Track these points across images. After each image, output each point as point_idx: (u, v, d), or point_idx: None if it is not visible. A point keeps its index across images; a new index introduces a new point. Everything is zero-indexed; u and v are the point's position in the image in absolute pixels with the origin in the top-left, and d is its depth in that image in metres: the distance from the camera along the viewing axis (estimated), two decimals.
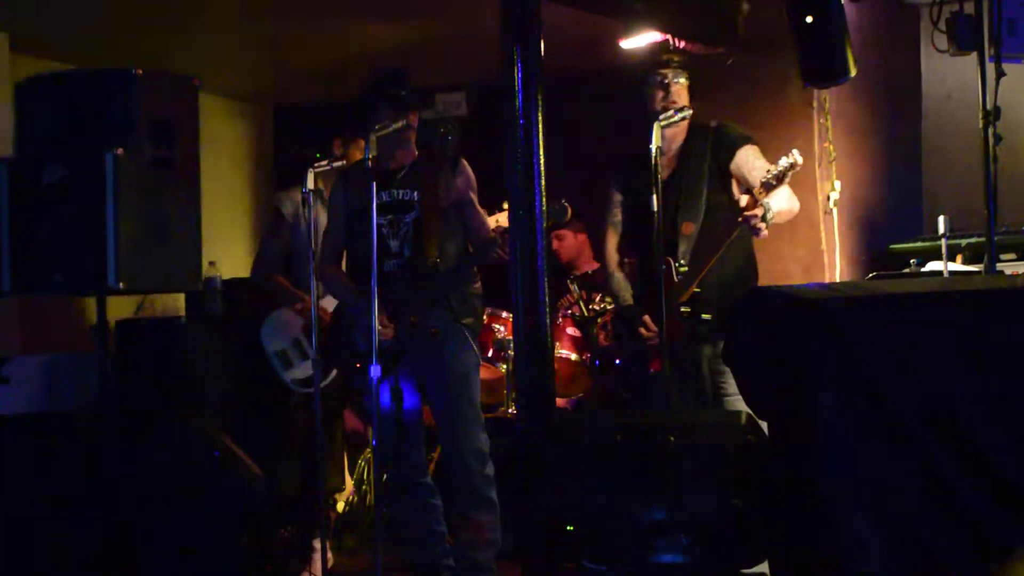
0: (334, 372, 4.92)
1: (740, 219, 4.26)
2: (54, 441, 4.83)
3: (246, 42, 6.58)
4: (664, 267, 4.30)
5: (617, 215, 4.73)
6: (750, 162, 4.46)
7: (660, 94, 4.50)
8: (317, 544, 5.13)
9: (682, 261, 4.40)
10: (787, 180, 4.25)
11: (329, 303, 4.96)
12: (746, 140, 4.53)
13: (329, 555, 5.15)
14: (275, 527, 5.35)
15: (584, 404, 5.89)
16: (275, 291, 5.27)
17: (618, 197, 4.73)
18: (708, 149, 4.50)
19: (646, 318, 4.46)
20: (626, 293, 4.66)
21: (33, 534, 4.60)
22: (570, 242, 6.41)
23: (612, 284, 4.74)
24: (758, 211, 4.23)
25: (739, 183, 4.50)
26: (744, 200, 4.28)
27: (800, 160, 4.24)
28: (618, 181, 4.73)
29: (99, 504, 4.44)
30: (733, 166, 4.49)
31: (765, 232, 4.28)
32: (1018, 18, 4.24)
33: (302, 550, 5.16)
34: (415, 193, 4.48)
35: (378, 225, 4.39)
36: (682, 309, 4.38)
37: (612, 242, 4.73)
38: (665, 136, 4.39)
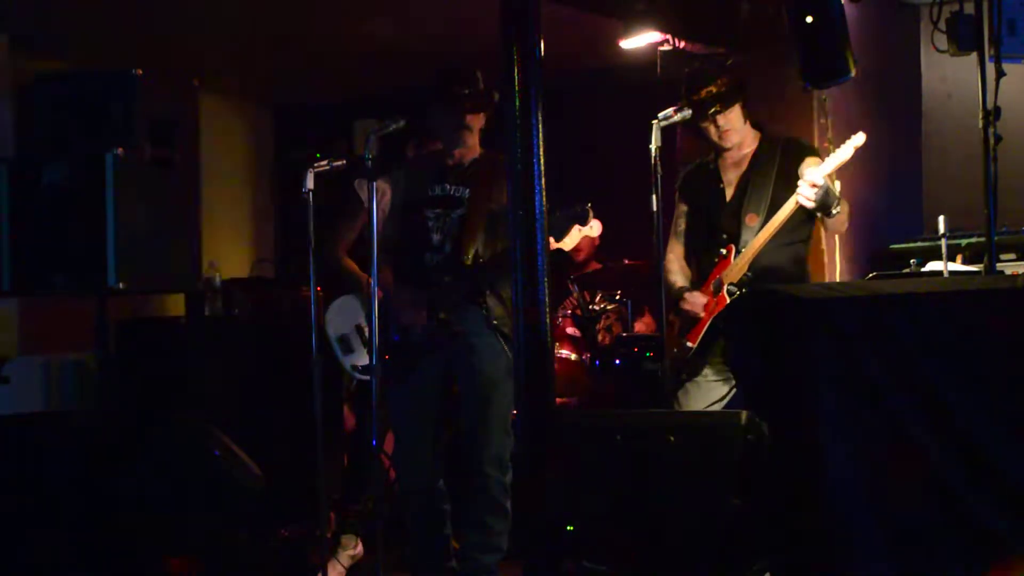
0: None
1: (802, 175, 4.34)
2: (54, 441, 4.83)
3: (246, 42, 6.59)
4: (725, 252, 4.51)
5: (681, 225, 4.77)
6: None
7: (713, 129, 4.58)
8: (345, 540, 5.14)
9: (743, 250, 4.49)
10: (850, 156, 4.34)
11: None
12: (814, 151, 4.65)
13: (360, 549, 5.16)
14: (275, 527, 5.35)
15: (585, 404, 5.89)
16: (344, 275, 5.20)
17: (683, 208, 4.78)
18: (778, 154, 4.58)
19: (689, 294, 4.55)
20: (683, 281, 4.69)
21: (32, 534, 4.60)
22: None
23: (670, 276, 4.73)
24: (820, 183, 4.29)
25: None
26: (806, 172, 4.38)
27: (863, 137, 4.34)
28: (684, 192, 4.77)
29: (98, 504, 4.44)
30: (800, 169, 4.55)
31: (808, 202, 4.32)
32: (1018, 18, 4.25)
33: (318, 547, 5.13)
34: (467, 191, 4.46)
35: (424, 218, 4.47)
36: (730, 287, 4.46)
37: (677, 251, 4.76)
38: (734, 139, 4.58)
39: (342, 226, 4.75)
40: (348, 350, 5.05)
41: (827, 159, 4.39)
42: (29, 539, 4.53)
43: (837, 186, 4.48)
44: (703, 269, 4.63)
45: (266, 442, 5.39)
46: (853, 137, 4.37)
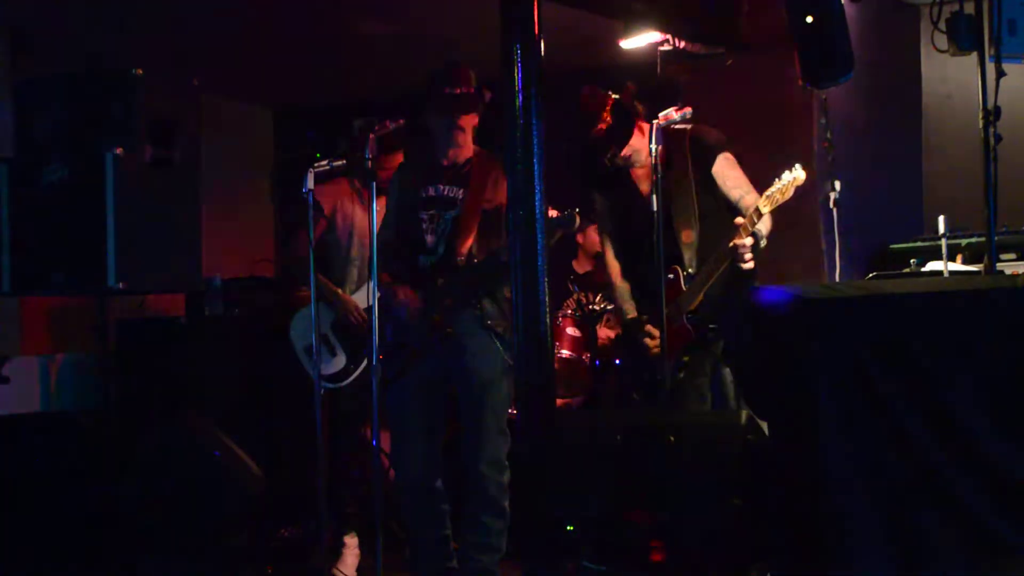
0: (363, 366, 4.92)
1: (731, 245, 4.28)
2: (54, 441, 4.83)
3: (246, 42, 6.59)
4: (672, 276, 4.40)
5: (608, 224, 4.72)
6: (725, 172, 4.48)
7: (620, 163, 4.51)
8: (347, 540, 5.14)
9: (690, 270, 4.42)
10: (790, 195, 4.26)
11: (361, 298, 4.97)
12: (722, 146, 4.52)
13: (357, 551, 5.16)
14: (275, 527, 5.35)
15: (585, 405, 5.89)
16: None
17: (602, 201, 4.72)
18: (687, 155, 4.48)
19: (649, 327, 4.48)
20: (630, 306, 4.63)
21: (32, 534, 4.60)
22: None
23: (616, 296, 4.71)
24: (748, 241, 4.26)
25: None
26: (740, 221, 4.30)
27: (803, 176, 4.26)
28: (599, 187, 4.69)
29: (99, 504, 4.44)
30: (714, 170, 4.49)
31: (751, 265, 4.30)
32: (1018, 18, 4.24)
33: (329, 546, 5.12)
34: (460, 191, 4.44)
35: (419, 219, 4.45)
36: (691, 317, 4.40)
37: (610, 251, 4.72)
38: (643, 158, 4.45)
39: (302, 234, 4.75)
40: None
41: (766, 193, 4.28)
42: (29, 538, 4.53)
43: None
44: (647, 288, 4.49)
45: (266, 442, 5.39)
46: (787, 173, 4.26)
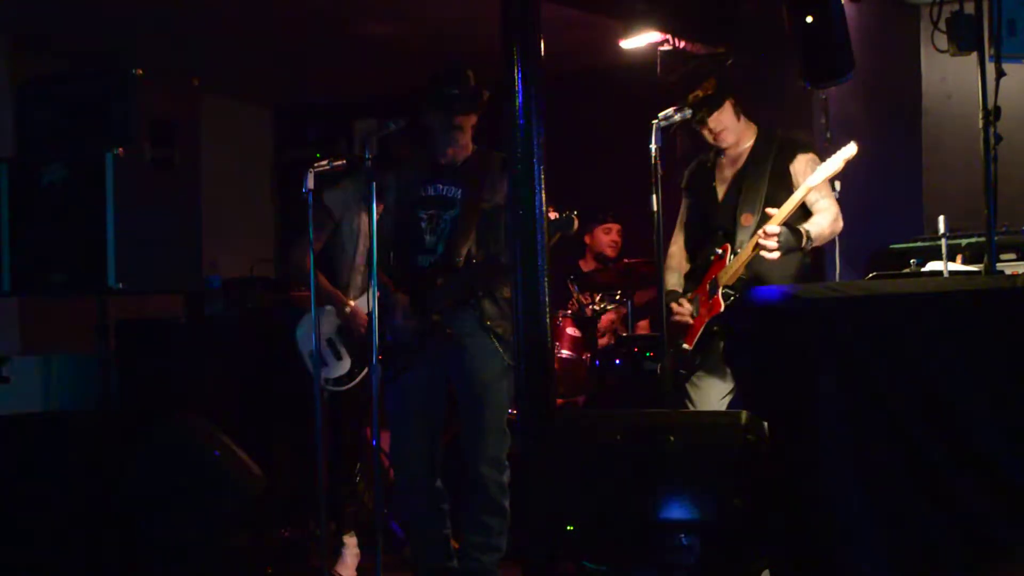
0: (366, 370, 4.93)
1: (759, 232, 4.36)
2: (54, 441, 4.82)
3: (246, 42, 6.59)
4: (721, 252, 4.52)
5: (684, 216, 4.83)
6: (805, 172, 4.53)
7: (707, 132, 4.60)
8: (347, 539, 5.14)
9: (739, 250, 4.49)
10: (839, 171, 4.38)
11: (363, 304, 4.97)
12: (808, 147, 4.63)
13: (357, 551, 5.16)
14: (275, 527, 5.35)
15: (585, 404, 5.89)
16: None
17: (687, 201, 4.82)
18: (774, 151, 4.58)
19: (680, 300, 4.57)
20: (678, 281, 4.74)
21: (32, 534, 4.60)
22: (615, 238, 6.58)
23: (667, 276, 4.76)
24: (773, 230, 4.33)
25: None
26: (770, 211, 4.38)
27: (855, 149, 4.34)
28: (687, 187, 4.82)
29: (99, 504, 4.44)
30: (793, 167, 4.56)
31: (775, 255, 4.36)
32: (1018, 18, 4.25)
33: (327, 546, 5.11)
34: (459, 190, 4.45)
35: (418, 219, 4.45)
36: (725, 290, 4.47)
37: (679, 241, 4.80)
38: (729, 139, 4.59)
39: (305, 240, 4.73)
40: (321, 363, 5.05)
41: (817, 169, 4.38)
42: (29, 539, 4.53)
43: (823, 212, 4.46)
44: (699, 266, 4.65)
45: (266, 442, 5.39)
46: (844, 148, 4.37)
